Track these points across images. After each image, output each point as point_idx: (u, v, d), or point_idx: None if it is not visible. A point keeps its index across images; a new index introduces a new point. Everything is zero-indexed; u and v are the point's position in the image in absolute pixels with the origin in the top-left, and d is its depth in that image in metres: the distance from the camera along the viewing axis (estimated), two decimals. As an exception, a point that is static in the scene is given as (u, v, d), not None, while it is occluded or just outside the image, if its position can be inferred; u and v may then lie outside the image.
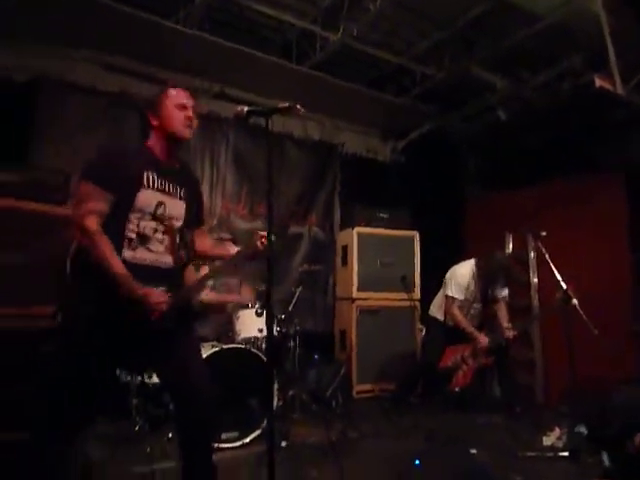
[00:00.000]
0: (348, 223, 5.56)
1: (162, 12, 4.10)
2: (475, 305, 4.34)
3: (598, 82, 4.15)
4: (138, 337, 1.98)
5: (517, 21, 4.18)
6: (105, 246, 1.90)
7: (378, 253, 5.36)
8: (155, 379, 3.30)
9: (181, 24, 4.12)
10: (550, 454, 3.18)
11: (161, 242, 2.11)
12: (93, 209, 1.92)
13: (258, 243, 2.14)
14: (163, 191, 2.11)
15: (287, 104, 1.95)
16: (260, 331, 3.68)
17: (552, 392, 4.87)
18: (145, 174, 2.04)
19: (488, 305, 4.38)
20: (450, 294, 4.29)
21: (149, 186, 2.05)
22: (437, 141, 6.13)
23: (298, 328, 4.19)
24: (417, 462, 2.11)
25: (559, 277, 3.57)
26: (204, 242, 2.38)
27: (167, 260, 2.14)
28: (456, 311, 4.25)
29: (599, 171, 4.75)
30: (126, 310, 1.88)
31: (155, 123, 2.14)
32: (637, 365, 4.18)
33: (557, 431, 3.42)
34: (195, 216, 2.29)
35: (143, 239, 2.05)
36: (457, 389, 4.13)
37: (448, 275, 4.42)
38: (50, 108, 4.34)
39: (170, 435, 3.20)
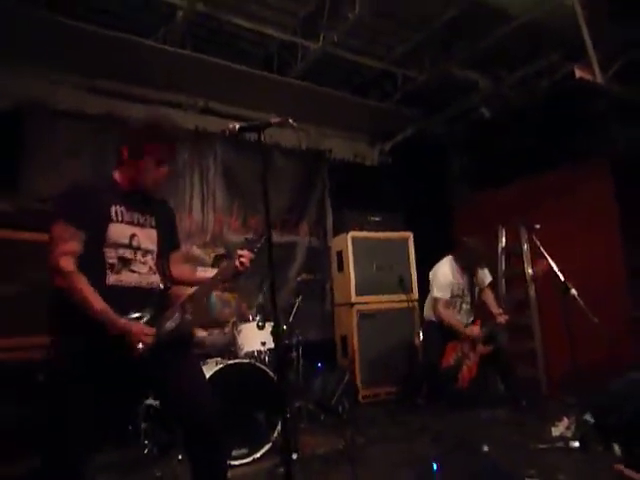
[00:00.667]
0: (341, 229, 5.57)
1: (143, 31, 4.12)
2: (466, 299, 4.38)
3: (578, 73, 4.22)
4: (128, 369, 1.96)
5: (493, 21, 4.24)
6: (82, 285, 1.89)
7: (373, 256, 5.38)
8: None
9: (161, 42, 4.13)
10: (561, 444, 3.19)
11: (144, 263, 2.11)
12: (67, 250, 1.92)
13: (237, 263, 2.15)
14: (133, 223, 2.11)
15: (279, 118, 1.97)
16: (263, 344, 3.66)
17: (555, 383, 4.91)
18: (113, 209, 2.05)
19: (476, 296, 4.43)
20: (435, 295, 4.35)
21: (118, 220, 2.05)
22: (423, 142, 6.18)
23: (300, 338, 4.18)
24: (435, 466, 2.11)
25: (555, 267, 3.60)
26: (180, 268, 2.36)
27: (153, 280, 2.13)
28: (443, 310, 4.29)
29: (584, 162, 4.80)
30: (111, 344, 1.87)
31: (126, 159, 2.10)
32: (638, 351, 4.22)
33: (565, 421, 3.44)
34: (169, 241, 2.30)
35: (125, 262, 2.05)
36: (466, 385, 4.15)
37: (430, 276, 4.49)
38: (36, 134, 4.31)
39: (180, 457, 3.17)
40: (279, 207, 5.60)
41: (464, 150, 6.52)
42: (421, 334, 4.96)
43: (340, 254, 5.49)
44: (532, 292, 5.27)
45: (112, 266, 2.01)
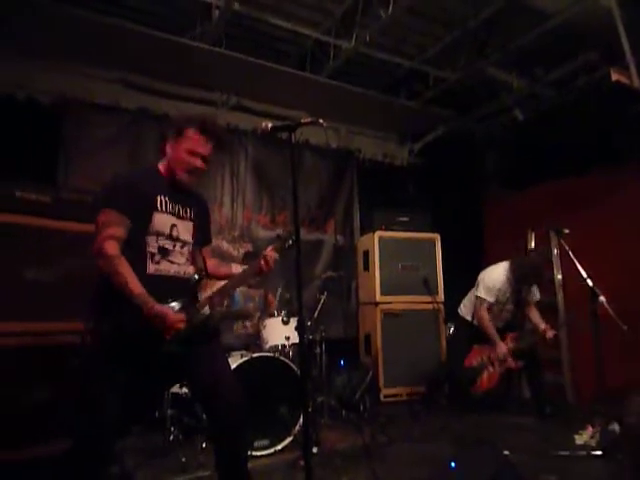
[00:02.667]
0: (368, 228, 5.59)
1: (179, 30, 4.22)
2: (507, 307, 4.32)
3: (614, 76, 4.13)
4: (160, 356, 2.02)
5: (529, 20, 4.18)
6: (124, 268, 1.94)
7: (399, 257, 5.38)
8: (187, 390, 3.36)
9: (198, 40, 4.22)
10: (583, 453, 3.15)
11: (182, 254, 2.20)
12: (112, 234, 1.98)
13: (262, 263, 2.23)
14: (174, 214, 2.19)
15: (310, 119, 2.00)
16: (287, 339, 3.72)
17: (582, 391, 4.82)
18: (158, 198, 2.13)
19: (520, 308, 4.36)
20: (479, 295, 4.28)
21: (162, 210, 2.13)
22: (454, 142, 6.12)
23: (324, 334, 4.23)
24: (453, 465, 2.13)
25: (584, 274, 3.54)
26: (212, 261, 2.45)
27: (189, 270, 2.22)
28: (484, 313, 4.24)
29: (620, 166, 4.69)
30: (146, 330, 1.92)
31: (168, 150, 2.21)
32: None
33: (590, 430, 3.39)
34: (203, 235, 2.37)
35: (164, 252, 2.13)
36: (481, 392, 4.12)
37: (480, 276, 4.40)
38: (74, 127, 4.48)
39: (204, 445, 3.26)
40: (307, 205, 5.66)
41: (496, 150, 6.44)
42: (452, 330, 4.94)
43: (366, 253, 5.51)
44: (560, 298, 5.19)
45: (152, 255, 2.09)
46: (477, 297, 4.30)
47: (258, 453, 3.26)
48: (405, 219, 5.55)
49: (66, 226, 3.41)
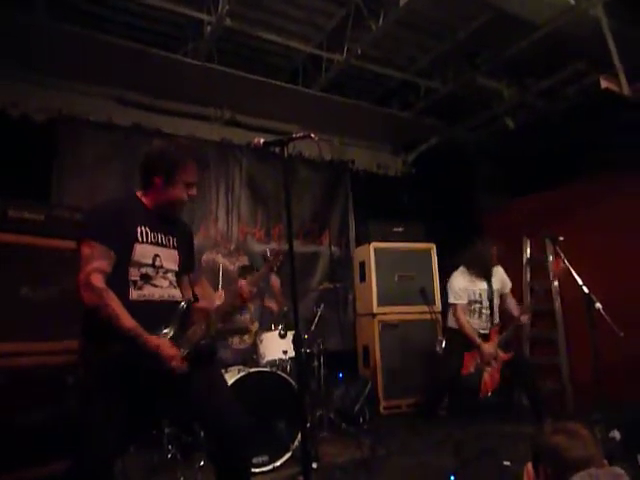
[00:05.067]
0: (364, 239, 5.60)
1: (171, 46, 4.25)
2: (485, 304, 4.34)
3: (604, 84, 4.17)
4: (158, 383, 1.99)
5: (518, 30, 4.23)
6: (113, 302, 1.91)
7: (396, 267, 5.38)
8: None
9: (190, 56, 4.25)
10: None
11: (165, 279, 2.17)
12: (98, 268, 1.94)
13: (244, 294, 2.24)
14: (157, 244, 2.15)
15: (302, 133, 2.01)
16: (284, 353, 3.70)
17: (582, 398, 4.80)
18: (139, 229, 2.09)
19: (499, 302, 4.40)
20: (451, 301, 4.34)
21: (143, 240, 2.10)
22: (447, 152, 6.17)
23: (322, 347, 4.21)
24: (452, 477, 2.10)
25: (580, 281, 3.55)
26: (196, 289, 2.37)
27: (174, 293, 2.19)
28: (461, 316, 4.27)
29: (612, 171, 4.72)
30: (142, 360, 1.90)
31: (157, 183, 2.14)
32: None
33: (589, 438, 3.36)
34: (187, 262, 2.33)
35: (147, 278, 2.10)
36: (489, 394, 4.10)
37: (447, 286, 4.47)
38: (68, 145, 4.50)
39: (202, 463, 3.22)
40: (302, 217, 5.66)
41: (488, 160, 6.47)
42: (443, 343, 4.93)
43: (362, 264, 5.51)
44: (557, 305, 5.20)
45: (135, 282, 2.06)
46: (450, 305, 4.37)
47: (257, 470, 3.22)
48: (400, 229, 5.57)
49: (60, 244, 3.40)
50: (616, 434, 3.25)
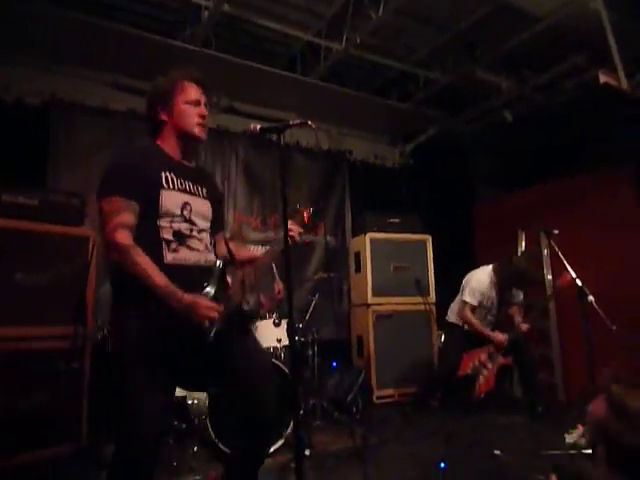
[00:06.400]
0: (359, 229, 5.59)
1: (168, 31, 4.21)
2: (492, 312, 4.33)
3: (602, 78, 4.16)
4: (192, 350, 1.81)
5: (518, 22, 4.21)
6: (142, 259, 1.74)
7: (391, 258, 5.38)
8: (179, 393, 3.33)
9: (187, 42, 4.20)
10: (573, 452, 3.17)
11: (200, 240, 1.98)
12: (122, 222, 1.77)
13: (294, 233, 2.15)
14: (185, 191, 1.97)
15: (299, 120, 1.99)
16: (279, 341, 3.72)
17: (573, 390, 4.85)
18: (163, 175, 1.91)
19: (503, 309, 4.38)
20: (465, 299, 4.29)
21: (170, 187, 1.91)
22: (445, 144, 6.15)
23: (316, 336, 4.22)
24: (442, 465, 2.13)
25: (573, 274, 3.58)
26: (230, 245, 2.22)
27: (210, 258, 2.00)
28: (469, 314, 4.25)
29: (608, 167, 4.74)
30: (175, 320, 1.73)
31: (164, 118, 2.00)
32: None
33: (580, 429, 3.41)
34: (219, 217, 2.18)
35: (182, 238, 1.91)
36: (482, 395, 4.12)
37: (465, 280, 4.42)
38: (63, 129, 4.45)
39: (195, 449, 3.23)
40: (298, 206, 5.63)
41: (487, 152, 6.48)
42: (442, 337, 4.94)
43: (358, 255, 5.51)
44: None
45: (169, 243, 1.87)
46: (462, 301, 4.31)
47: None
48: (396, 220, 5.56)
49: (54, 229, 3.39)
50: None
